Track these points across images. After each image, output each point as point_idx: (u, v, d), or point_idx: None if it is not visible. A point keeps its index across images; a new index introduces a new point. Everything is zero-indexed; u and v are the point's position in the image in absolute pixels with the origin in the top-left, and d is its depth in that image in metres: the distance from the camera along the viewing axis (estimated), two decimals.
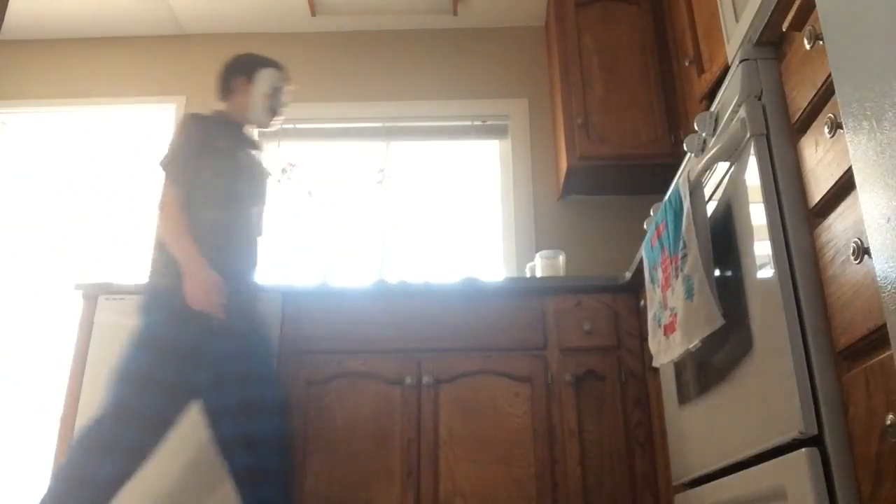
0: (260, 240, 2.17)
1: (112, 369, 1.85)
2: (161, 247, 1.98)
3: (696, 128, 1.53)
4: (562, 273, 2.72)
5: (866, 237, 0.82)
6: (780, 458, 1.16)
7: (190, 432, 2.20)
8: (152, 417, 1.80)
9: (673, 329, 1.55)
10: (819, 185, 1.11)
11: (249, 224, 2.09)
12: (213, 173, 2.03)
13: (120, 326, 2.32)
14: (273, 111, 2.20)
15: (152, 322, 1.88)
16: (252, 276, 2.08)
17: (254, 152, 2.21)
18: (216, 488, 2.14)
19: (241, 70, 2.21)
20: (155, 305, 1.91)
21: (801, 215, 1.18)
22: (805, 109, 1.15)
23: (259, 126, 2.21)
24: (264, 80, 2.19)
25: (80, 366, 2.29)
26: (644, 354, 2.23)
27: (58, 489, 1.71)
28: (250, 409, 1.88)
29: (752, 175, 1.27)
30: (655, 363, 1.69)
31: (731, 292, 1.38)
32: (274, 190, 3.37)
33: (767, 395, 1.22)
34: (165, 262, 1.94)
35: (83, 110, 3.54)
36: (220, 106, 2.24)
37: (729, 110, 1.38)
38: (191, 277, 1.85)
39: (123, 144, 3.51)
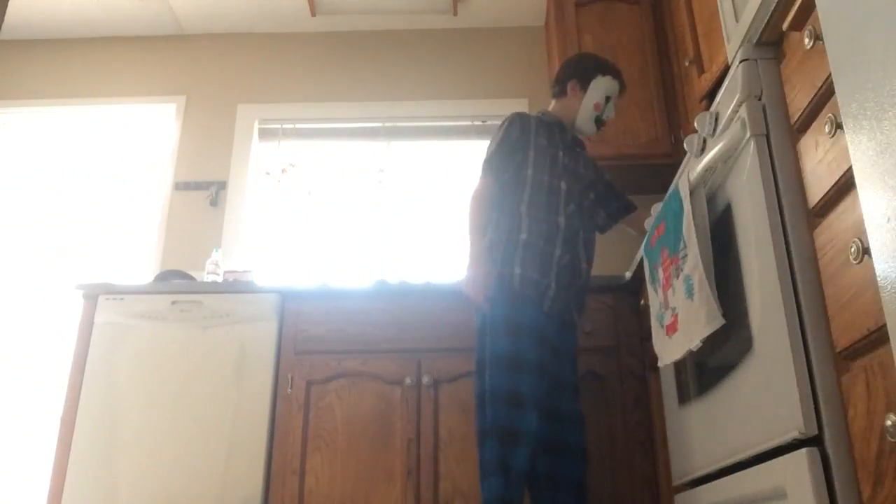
0: (591, 235, 2.11)
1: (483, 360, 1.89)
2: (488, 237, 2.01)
3: (696, 128, 1.53)
4: None
5: (866, 237, 0.82)
6: (780, 458, 1.16)
7: (186, 431, 2.20)
8: (528, 397, 1.80)
9: (675, 329, 1.55)
10: (819, 185, 1.11)
11: (574, 219, 2.04)
12: (534, 169, 2.03)
13: (120, 326, 2.32)
14: (600, 121, 2.14)
15: (498, 308, 1.91)
16: (580, 270, 2.03)
17: (579, 152, 2.18)
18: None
19: (578, 73, 2.17)
20: (497, 293, 1.92)
21: (801, 215, 1.18)
22: (805, 109, 1.15)
23: (583, 133, 2.17)
24: (599, 88, 2.13)
25: (80, 366, 2.29)
26: (644, 354, 2.23)
27: (494, 483, 1.73)
28: (552, 412, 1.91)
29: (752, 175, 1.27)
30: (660, 363, 1.69)
31: (731, 292, 1.38)
32: (274, 190, 3.37)
33: (767, 395, 1.22)
34: (493, 251, 1.97)
35: (83, 110, 3.54)
36: (550, 104, 2.22)
37: (729, 110, 1.38)
38: (470, 268, 1.93)
39: (124, 144, 3.51)
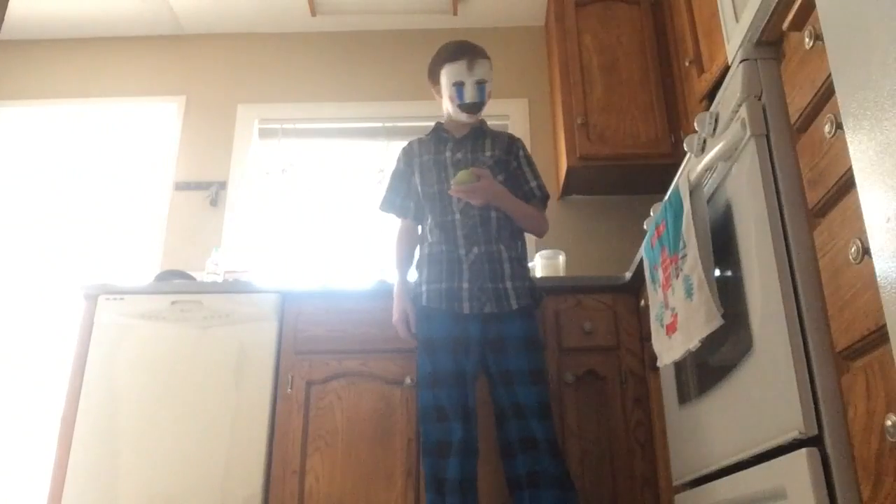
0: (503, 218, 2.05)
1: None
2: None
3: (696, 128, 1.53)
4: (562, 273, 2.72)
5: (866, 237, 0.82)
6: (780, 458, 1.16)
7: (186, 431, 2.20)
8: (449, 409, 1.88)
9: (675, 329, 1.55)
10: (819, 185, 1.11)
11: (473, 207, 2.02)
12: (424, 185, 2.12)
13: (120, 326, 2.32)
14: (467, 107, 2.07)
15: (416, 331, 2.02)
16: (500, 259, 1.99)
17: (482, 135, 2.14)
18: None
19: (430, 75, 2.19)
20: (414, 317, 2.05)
21: (801, 215, 1.18)
22: (805, 109, 1.15)
23: (465, 122, 2.13)
24: (446, 80, 2.09)
25: (80, 366, 2.29)
26: (644, 354, 2.23)
27: (430, 499, 1.85)
28: (515, 409, 1.89)
29: (753, 175, 1.27)
30: (659, 363, 1.69)
31: (731, 292, 1.38)
32: (273, 190, 3.37)
33: (767, 395, 1.22)
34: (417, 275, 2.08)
35: (84, 110, 3.54)
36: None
37: (729, 110, 1.38)
38: (395, 305, 2.08)
39: (124, 144, 3.51)
